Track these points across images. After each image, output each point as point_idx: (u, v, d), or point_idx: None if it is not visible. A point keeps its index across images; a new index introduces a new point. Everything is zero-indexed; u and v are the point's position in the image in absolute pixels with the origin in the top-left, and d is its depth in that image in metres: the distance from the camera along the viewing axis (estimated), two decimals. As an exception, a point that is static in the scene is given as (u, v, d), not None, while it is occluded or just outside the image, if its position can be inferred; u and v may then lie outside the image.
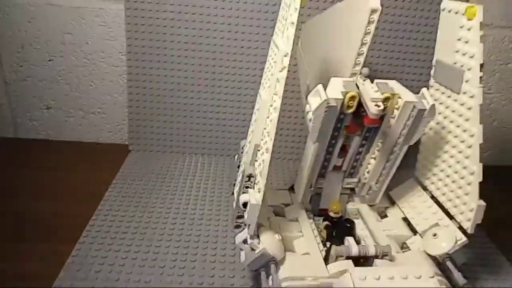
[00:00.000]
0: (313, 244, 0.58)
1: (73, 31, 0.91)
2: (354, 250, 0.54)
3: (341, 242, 0.57)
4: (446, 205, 0.61)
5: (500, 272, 0.68)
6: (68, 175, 0.86)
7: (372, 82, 0.54)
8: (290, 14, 0.46)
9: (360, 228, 0.64)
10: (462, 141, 0.56)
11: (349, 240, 0.56)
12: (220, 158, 0.96)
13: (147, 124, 0.95)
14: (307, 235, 0.60)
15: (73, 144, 1.00)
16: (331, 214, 0.63)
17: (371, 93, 0.51)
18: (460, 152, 0.57)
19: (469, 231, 0.56)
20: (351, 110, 0.53)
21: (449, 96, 0.58)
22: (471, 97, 0.53)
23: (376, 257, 0.54)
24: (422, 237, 0.61)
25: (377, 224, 0.64)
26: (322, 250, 0.58)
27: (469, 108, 0.54)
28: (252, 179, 0.51)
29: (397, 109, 0.54)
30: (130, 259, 0.63)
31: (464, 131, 0.55)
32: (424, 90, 0.53)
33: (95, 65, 0.94)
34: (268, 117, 0.50)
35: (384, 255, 0.54)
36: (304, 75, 0.79)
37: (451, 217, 0.60)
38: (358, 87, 0.54)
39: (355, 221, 0.65)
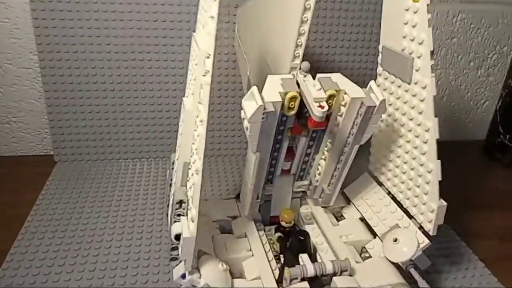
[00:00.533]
0: (264, 265, 0.52)
1: (-30, 30, 0.78)
2: (310, 270, 0.48)
3: (295, 258, 0.51)
4: (404, 204, 0.56)
5: (462, 261, 0.66)
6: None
7: (314, 77, 0.47)
8: (210, 6, 0.37)
9: (315, 235, 0.59)
10: (417, 136, 0.51)
11: (304, 258, 0.50)
12: (155, 161, 0.88)
13: (72, 131, 0.84)
14: (257, 254, 0.53)
15: (-12, 160, 0.88)
16: (283, 223, 0.57)
17: (314, 92, 0.44)
18: (415, 147, 0.51)
19: (431, 233, 0.52)
20: (292, 112, 0.46)
21: (399, 86, 0.52)
22: (424, 87, 0.48)
23: (335, 274, 0.49)
24: (381, 240, 0.56)
25: (333, 230, 0.59)
26: (275, 269, 0.52)
27: (422, 100, 0.48)
28: (184, 205, 0.43)
29: (344, 106, 0.48)
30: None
31: (418, 125, 0.50)
32: (372, 83, 0.47)
33: (1, 68, 0.82)
34: (195, 130, 0.42)
35: (343, 270, 0.49)
36: (244, 65, 0.71)
37: (410, 216, 0.55)
38: (298, 85, 0.46)
39: (310, 226, 0.60)
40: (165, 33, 0.79)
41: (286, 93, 0.45)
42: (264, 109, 0.42)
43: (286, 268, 0.48)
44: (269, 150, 0.51)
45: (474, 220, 0.77)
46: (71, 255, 0.61)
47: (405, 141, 0.53)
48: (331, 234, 0.58)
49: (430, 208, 0.50)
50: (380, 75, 0.56)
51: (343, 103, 0.48)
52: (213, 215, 0.59)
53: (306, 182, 0.60)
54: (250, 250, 0.54)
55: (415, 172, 0.52)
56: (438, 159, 0.49)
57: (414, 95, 0.50)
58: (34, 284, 0.56)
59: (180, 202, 0.43)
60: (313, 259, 0.53)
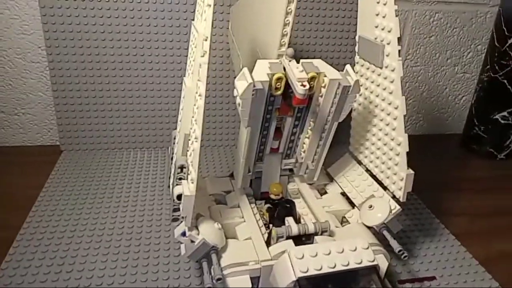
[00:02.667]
0: (254, 228, 0.58)
1: (-18, 27, 0.84)
2: (294, 229, 0.54)
3: (282, 223, 0.58)
4: (379, 177, 0.63)
5: (435, 234, 0.73)
6: (-5, 183, 0.80)
7: (298, 62, 0.54)
8: (207, -4, 0.44)
9: (300, 207, 0.65)
10: (388, 114, 0.58)
11: (289, 220, 0.56)
12: (155, 151, 0.94)
13: (77, 122, 0.90)
14: (248, 220, 0.60)
15: (-2, 149, 0.93)
16: (272, 196, 0.63)
17: (297, 73, 0.51)
18: (387, 124, 0.59)
19: (401, 200, 0.58)
20: (279, 92, 0.53)
21: (373, 71, 0.60)
22: (392, 70, 0.55)
23: (316, 234, 0.55)
24: (359, 210, 0.62)
25: (317, 202, 0.65)
26: (264, 233, 0.58)
27: (392, 81, 0.56)
28: (184, 170, 0.50)
29: (324, 87, 0.55)
30: (67, 265, 0.60)
31: (389, 104, 0.57)
32: (347, 67, 0.54)
33: (12, 62, 0.87)
34: (194, 105, 0.48)
35: (323, 231, 0.55)
36: (237, 59, 0.78)
37: (384, 188, 0.62)
38: (284, 69, 0.53)
39: (296, 200, 0.66)
40: (165, 30, 0.85)
41: (273, 75, 0.52)
42: (254, 86, 0.49)
43: (273, 228, 0.54)
44: (259, 126, 0.58)
45: (449, 201, 0.84)
46: (75, 241, 0.65)
47: (379, 120, 0.60)
48: (315, 205, 0.64)
49: (400, 177, 0.57)
50: (357, 63, 0.63)
51: (323, 84, 0.55)
52: (210, 190, 0.66)
53: (292, 160, 0.67)
54: (242, 217, 0.60)
55: (387, 146, 0.59)
56: (406, 133, 0.56)
57: (385, 78, 0.57)
58: (45, 257, 0.61)
59: (182, 167, 0.50)
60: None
